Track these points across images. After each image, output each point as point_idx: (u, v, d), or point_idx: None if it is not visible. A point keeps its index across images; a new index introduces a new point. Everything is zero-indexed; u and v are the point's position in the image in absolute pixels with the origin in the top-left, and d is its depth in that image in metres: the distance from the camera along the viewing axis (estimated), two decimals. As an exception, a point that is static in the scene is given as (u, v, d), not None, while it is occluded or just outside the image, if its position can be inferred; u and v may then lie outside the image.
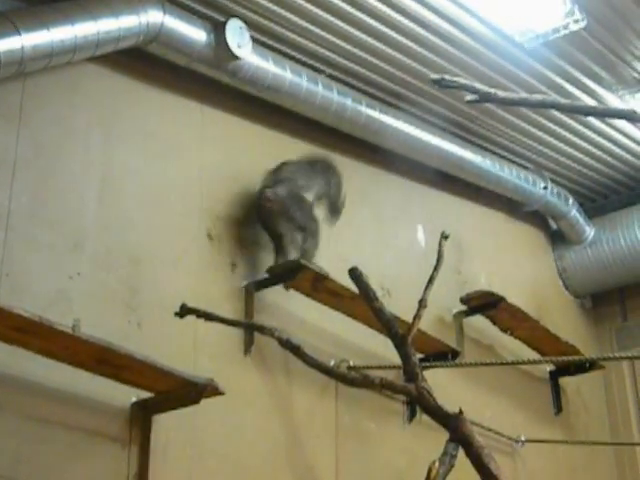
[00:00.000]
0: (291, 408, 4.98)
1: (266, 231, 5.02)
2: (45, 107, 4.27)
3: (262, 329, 4.00)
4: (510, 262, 7.12)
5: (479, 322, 6.41)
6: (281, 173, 5.05)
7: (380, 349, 5.19)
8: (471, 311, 6.35)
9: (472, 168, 6.44)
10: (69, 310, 3.99)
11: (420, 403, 3.44)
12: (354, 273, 3.66)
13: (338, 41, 5.18)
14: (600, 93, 5.96)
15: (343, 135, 5.76)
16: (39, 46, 3.98)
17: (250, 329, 4.71)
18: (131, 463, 4.07)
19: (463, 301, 6.31)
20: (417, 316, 3.58)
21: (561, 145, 6.70)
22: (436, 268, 3.68)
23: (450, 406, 3.37)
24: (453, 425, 3.23)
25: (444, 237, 3.80)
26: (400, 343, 3.50)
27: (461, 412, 3.27)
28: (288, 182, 5.04)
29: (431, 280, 3.66)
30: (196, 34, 4.67)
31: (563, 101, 4.97)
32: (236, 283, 4.91)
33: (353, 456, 5.23)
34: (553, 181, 7.05)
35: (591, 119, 6.33)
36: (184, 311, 3.94)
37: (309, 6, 4.84)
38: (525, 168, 6.89)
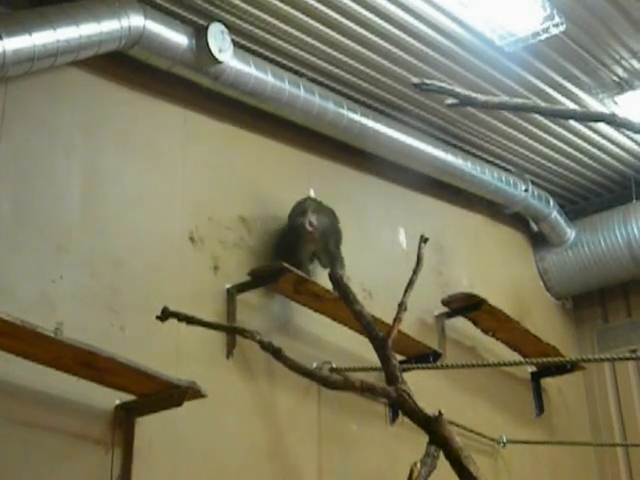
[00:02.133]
0: (274, 410, 4.99)
1: (297, 250, 5.16)
2: (27, 111, 4.28)
3: (243, 332, 4.00)
4: (491, 264, 7.15)
5: (461, 324, 6.44)
6: (319, 204, 5.23)
7: (363, 351, 5.20)
8: (453, 313, 6.39)
9: (454, 171, 6.48)
10: (52, 313, 4.00)
11: (400, 405, 3.46)
12: (334, 276, 3.68)
13: (320, 45, 5.20)
14: (580, 96, 6.01)
15: (325, 138, 5.78)
16: (21, 50, 3.99)
17: (231, 332, 4.73)
18: (114, 466, 4.08)
19: (444, 303, 6.34)
20: (397, 319, 3.60)
21: (542, 148, 6.75)
22: (415, 271, 3.70)
23: (432, 408, 3.39)
24: (432, 427, 3.25)
25: (423, 240, 3.82)
26: (380, 346, 3.52)
27: (440, 414, 3.29)
28: (327, 213, 5.27)
29: (411, 283, 3.68)
30: (178, 38, 4.70)
31: (543, 104, 5.03)
32: (219, 286, 4.92)
33: (336, 458, 5.25)
34: (534, 183, 7.10)
35: (572, 122, 6.37)
36: (166, 314, 3.94)
37: (290, 10, 4.86)
38: (506, 170, 6.93)
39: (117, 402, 4.14)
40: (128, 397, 4.13)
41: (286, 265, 4.90)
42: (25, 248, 4.08)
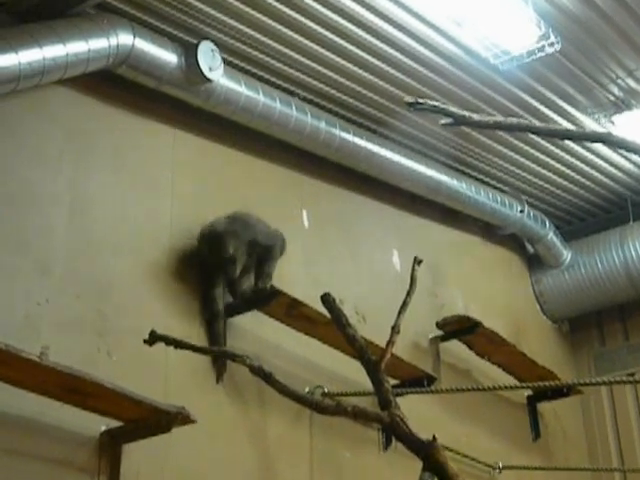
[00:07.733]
0: (265, 436, 4.91)
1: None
2: (13, 130, 4.21)
3: (233, 356, 3.93)
4: (487, 286, 7.09)
5: (456, 347, 6.37)
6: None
7: (356, 375, 5.12)
8: (447, 336, 6.32)
9: (448, 191, 6.43)
10: (37, 337, 3.92)
11: (393, 431, 3.39)
12: (326, 299, 3.62)
13: (312, 63, 5.16)
14: (576, 116, 5.98)
15: (317, 158, 5.72)
16: (6, 69, 3.92)
17: (221, 356, 4.65)
18: (100, 494, 4.00)
19: (439, 326, 6.28)
20: (390, 342, 3.54)
21: (538, 168, 6.71)
22: (409, 293, 3.65)
23: (426, 433, 3.33)
24: (426, 453, 3.18)
25: (417, 262, 3.76)
26: (373, 370, 3.45)
27: (435, 439, 3.22)
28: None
29: (404, 306, 3.63)
30: (167, 56, 4.63)
31: (538, 124, 4.98)
32: (209, 309, 4.85)
33: (328, 485, 5.17)
34: (530, 204, 7.06)
35: (568, 142, 6.33)
36: (153, 338, 3.87)
37: (281, 28, 4.81)
38: (502, 191, 6.89)
39: (103, 428, 4.05)
40: (115, 423, 4.04)
41: (278, 288, 4.83)
42: (10, 270, 4.00)
